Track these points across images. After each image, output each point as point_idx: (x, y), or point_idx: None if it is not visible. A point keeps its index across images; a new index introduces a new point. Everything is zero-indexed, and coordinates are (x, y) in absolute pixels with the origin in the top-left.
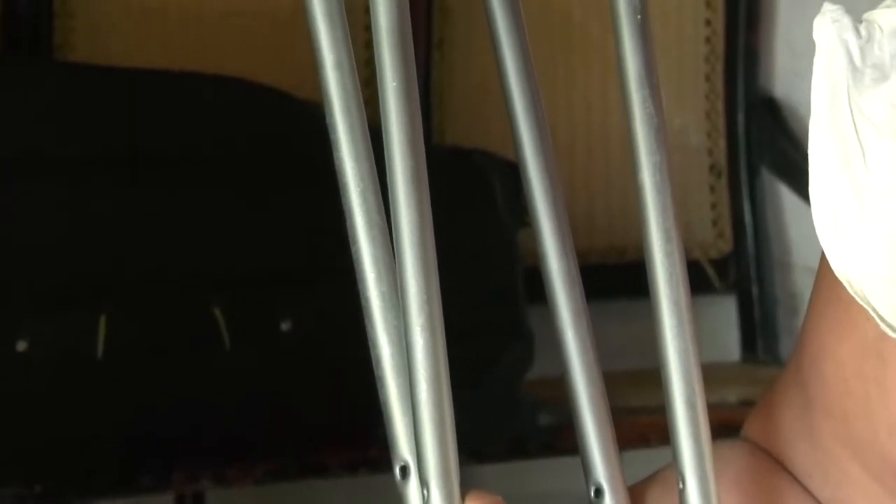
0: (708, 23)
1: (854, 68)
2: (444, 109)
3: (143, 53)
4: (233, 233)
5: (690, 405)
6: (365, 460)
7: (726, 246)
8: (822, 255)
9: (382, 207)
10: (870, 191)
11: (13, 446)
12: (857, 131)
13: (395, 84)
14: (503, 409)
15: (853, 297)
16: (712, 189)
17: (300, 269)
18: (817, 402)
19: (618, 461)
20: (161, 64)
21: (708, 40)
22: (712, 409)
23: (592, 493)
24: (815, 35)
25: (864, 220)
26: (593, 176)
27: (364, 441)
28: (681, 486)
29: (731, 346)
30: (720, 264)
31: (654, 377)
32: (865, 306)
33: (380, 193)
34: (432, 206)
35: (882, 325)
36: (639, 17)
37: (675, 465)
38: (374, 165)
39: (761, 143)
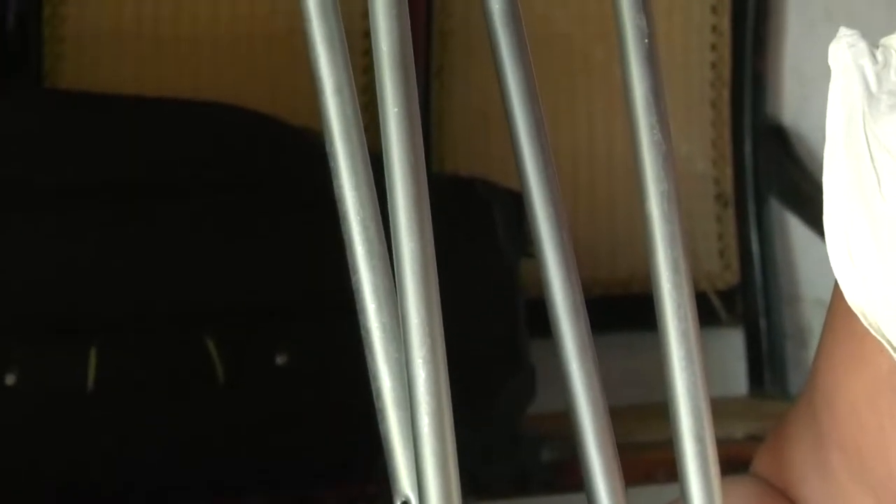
0: (714, 47)
1: (870, 95)
2: (444, 137)
3: (135, 80)
4: (227, 264)
5: (699, 440)
6: (363, 495)
7: (733, 277)
8: (835, 288)
9: (384, 236)
10: (885, 220)
11: (1, 480)
12: (872, 159)
13: (396, 109)
14: (505, 443)
15: (867, 330)
16: (719, 219)
17: (296, 301)
18: (830, 437)
19: (624, 498)
20: (153, 91)
21: (714, 66)
22: (719, 443)
23: None
24: (831, 60)
25: (880, 249)
26: (597, 205)
27: (361, 476)
28: None
29: (738, 379)
30: (727, 296)
31: (659, 411)
32: (880, 338)
33: (381, 222)
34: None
35: None
36: (646, 40)
37: (683, 501)
38: (375, 193)
39: (769, 171)
